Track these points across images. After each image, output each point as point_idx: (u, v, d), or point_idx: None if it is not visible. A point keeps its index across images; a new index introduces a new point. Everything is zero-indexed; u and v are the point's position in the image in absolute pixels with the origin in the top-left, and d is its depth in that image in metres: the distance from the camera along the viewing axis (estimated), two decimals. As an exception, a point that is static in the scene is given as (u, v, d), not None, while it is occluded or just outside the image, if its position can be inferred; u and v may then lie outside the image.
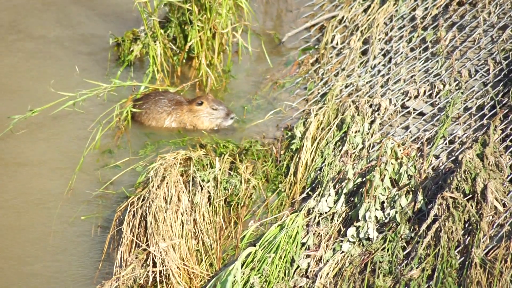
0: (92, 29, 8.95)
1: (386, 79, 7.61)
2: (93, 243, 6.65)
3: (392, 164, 6.45)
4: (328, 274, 6.06)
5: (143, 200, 6.60)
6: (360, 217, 6.25)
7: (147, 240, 6.42)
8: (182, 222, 6.50)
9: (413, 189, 6.33)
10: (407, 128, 7.07)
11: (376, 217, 6.26)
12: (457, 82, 7.26)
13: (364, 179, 6.53)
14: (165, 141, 7.58)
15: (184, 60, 8.36)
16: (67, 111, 7.70)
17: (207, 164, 6.97)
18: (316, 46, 8.46)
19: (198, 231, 6.54)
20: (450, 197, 6.07)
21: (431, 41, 7.78)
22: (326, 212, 6.46)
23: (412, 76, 7.52)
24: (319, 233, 6.34)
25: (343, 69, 7.95)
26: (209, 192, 6.75)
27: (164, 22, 8.47)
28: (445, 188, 6.15)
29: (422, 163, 6.53)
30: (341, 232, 6.34)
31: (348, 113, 7.20)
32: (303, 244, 6.30)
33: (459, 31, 7.74)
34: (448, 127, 6.87)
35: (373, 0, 8.42)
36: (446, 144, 6.76)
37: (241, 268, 6.07)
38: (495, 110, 6.86)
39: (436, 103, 7.19)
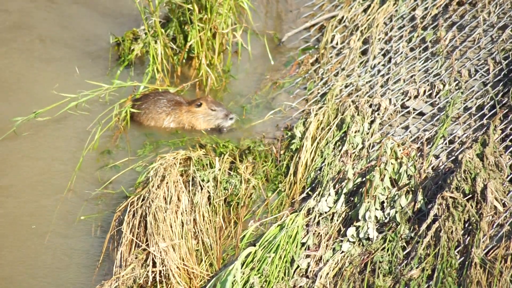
0: (93, 29, 8.95)
1: (386, 79, 7.61)
2: (92, 243, 6.64)
3: (392, 164, 6.45)
4: (328, 274, 6.06)
5: (143, 200, 6.60)
6: (360, 217, 6.25)
7: (147, 240, 6.42)
8: (182, 222, 6.50)
9: (413, 189, 6.33)
10: (407, 128, 7.07)
11: (376, 217, 6.25)
12: (457, 82, 7.26)
13: (364, 179, 6.53)
14: (164, 141, 7.58)
15: (184, 60, 8.36)
16: (67, 111, 7.69)
17: (207, 164, 6.97)
18: (316, 46, 8.46)
19: (198, 231, 6.54)
20: (450, 197, 6.07)
21: (431, 41, 7.78)
22: (326, 212, 6.46)
23: (412, 76, 7.52)
24: (319, 233, 6.34)
25: (343, 69, 7.95)
26: (209, 192, 6.75)
27: (164, 21, 8.46)
28: (445, 188, 6.15)
29: (422, 163, 6.53)
30: (341, 232, 6.34)
31: (348, 113, 7.20)
32: (303, 244, 6.30)
33: (459, 31, 7.74)
34: (448, 127, 6.87)
35: (373, 0, 8.42)
36: (446, 144, 6.76)
37: (241, 268, 6.07)
38: (495, 110, 6.86)
39: (436, 103, 7.19)
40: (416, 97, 7.33)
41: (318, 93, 7.81)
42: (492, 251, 5.84)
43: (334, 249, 6.23)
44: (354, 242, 6.21)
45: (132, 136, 7.69)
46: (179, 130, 7.79)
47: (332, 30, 8.42)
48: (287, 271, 6.14)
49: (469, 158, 6.21)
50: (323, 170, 6.82)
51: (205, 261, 6.45)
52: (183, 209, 6.54)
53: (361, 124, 7.09)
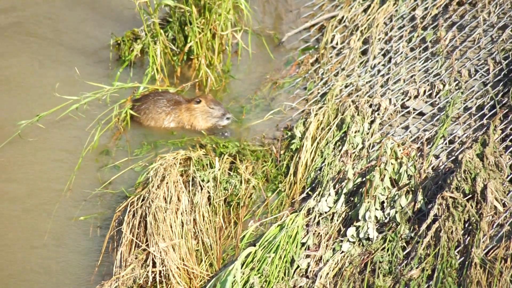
0: (92, 29, 8.95)
1: (386, 79, 7.61)
2: (92, 243, 6.64)
3: (392, 164, 6.45)
4: (328, 274, 6.06)
5: (142, 200, 6.60)
6: (360, 217, 6.25)
7: (146, 240, 6.41)
8: (182, 222, 6.49)
9: (413, 189, 6.33)
10: (407, 128, 7.07)
11: (376, 217, 6.25)
12: (457, 82, 7.26)
13: (364, 179, 6.52)
14: (163, 142, 7.58)
15: (183, 61, 8.36)
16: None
17: (207, 164, 6.97)
18: (316, 46, 8.46)
19: (198, 231, 6.54)
20: (450, 197, 6.07)
21: (431, 41, 7.78)
22: (326, 212, 6.46)
23: (412, 76, 7.52)
24: (319, 233, 6.34)
25: (343, 69, 7.95)
26: (209, 192, 6.75)
27: (164, 22, 8.46)
28: (445, 188, 6.15)
29: (422, 163, 6.53)
30: (341, 232, 6.33)
31: (348, 113, 7.20)
32: (303, 244, 6.29)
33: (459, 31, 7.73)
34: (448, 127, 6.87)
35: (373, 0, 8.42)
36: (446, 144, 6.76)
37: (241, 268, 6.06)
38: (495, 110, 6.86)
39: (436, 103, 7.19)
40: (416, 97, 7.33)
41: (318, 93, 7.81)
42: (492, 251, 5.84)
43: (334, 249, 6.23)
44: (354, 242, 6.21)
45: (132, 136, 7.69)
46: (174, 132, 7.80)
47: (332, 30, 8.42)
48: (287, 271, 6.14)
49: (469, 158, 6.21)
50: (323, 170, 6.81)
51: (205, 261, 6.44)
52: (183, 209, 6.54)
53: (361, 124, 7.09)
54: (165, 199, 6.57)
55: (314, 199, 6.55)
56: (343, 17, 8.51)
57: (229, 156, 7.11)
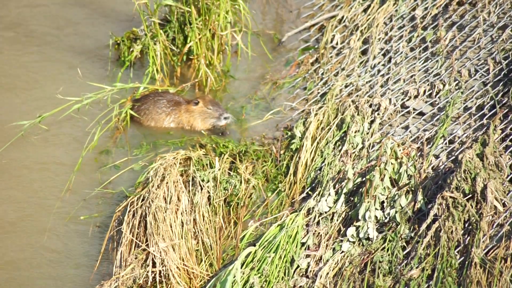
0: (92, 29, 8.95)
1: (386, 78, 7.60)
2: (92, 243, 6.64)
3: (392, 164, 6.45)
4: (328, 274, 6.05)
5: (142, 200, 6.60)
6: (360, 217, 6.25)
7: (146, 240, 6.41)
8: (182, 222, 6.49)
9: (413, 189, 6.32)
10: (407, 128, 7.07)
11: (376, 217, 6.25)
12: (457, 81, 7.25)
13: (364, 179, 6.52)
14: (162, 142, 7.58)
15: (183, 61, 8.36)
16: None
17: (206, 164, 6.97)
18: (316, 46, 8.46)
19: (198, 231, 6.54)
20: (450, 197, 6.07)
21: (431, 40, 7.77)
22: (326, 212, 6.45)
23: (412, 76, 7.52)
24: (319, 233, 6.34)
25: (343, 69, 7.95)
26: (208, 192, 6.75)
27: (163, 22, 8.46)
28: (445, 188, 6.15)
29: (422, 163, 6.52)
30: (341, 232, 6.33)
31: (348, 113, 7.20)
32: (303, 244, 6.29)
33: (459, 31, 7.73)
34: (448, 127, 6.87)
35: (373, 0, 8.42)
36: (446, 144, 6.75)
37: (241, 268, 6.06)
38: (495, 110, 6.86)
39: (436, 103, 7.19)
40: (416, 97, 7.32)
41: (318, 93, 7.81)
42: (492, 251, 5.84)
43: (334, 249, 6.22)
44: (354, 242, 6.20)
45: (132, 136, 7.69)
46: (171, 131, 7.80)
47: (332, 30, 8.41)
48: (287, 271, 6.14)
49: (469, 158, 6.20)
50: (323, 170, 6.81)
51: (205, 261, 6.44)
52: (183, 209, 6.54)
53: (361, 124, 7.09)
54: (165, 199, 6.56)
55: (314, 199, 6.55)
56: (343, 17, 8.51)
57: (230, 156, 7.10)
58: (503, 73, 7.12)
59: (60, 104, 7.57)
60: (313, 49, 8.44)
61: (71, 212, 6.87)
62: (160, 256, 6.28)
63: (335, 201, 6.48)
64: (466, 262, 5.81)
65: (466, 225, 6.01)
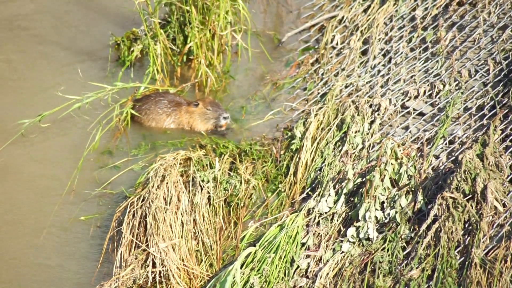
0: (92, 29, 8.95)
1: (386, 79, 7.61)
2: (92, 243, 6.64)
3: (392, 164, 6.45)
4: (328, 274, 6.05)
5: (142, 200, 6.60)
6: (360, 217, 6.25)
7: (146, 241, 6.41)
8: (182, 223, 6.49)
9: (413, 189, 6.32)
10: (407, 128, 7.07)
11: (376, 217, 6.25)
12: (457, 82, 7.26)
13: (364, 179, 6.52)
14: (162, 142, 7.58)
15: (183, 61, 8.36)
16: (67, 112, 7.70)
17: (207, 165, 6.97)
18: (316, 47, 8.46)
19: (198, 232, 6.54)
20: (450, 197, 6.07)
21: (431, 41, 7.78)
22: (326, 212, 6.45)
23: (412, 76, 7.52)
24: (319, 233, 6.34)
25: (343, 69, 7.95)
26: (209, 193, 6.75)
27: (164, 22, 8.46)
28: (445, 188, 6.15)
29: (422, 163, 6.53)
30: (341, 232, 6.33)
31: (348, 113, 7.20)
32: (303, 244, 6.29)
33: (459, 31, 7.73)
34: (448, 127, 6.87)
35: (373, 0, 8.42)
36: (446, 144, 6.75)
37: (241, 268, 6.06)
38: (495, 110, 6.86)
39: (436, 103, 7.19)
40: (416, 97, 7.32)
41: (318, 93, 7.81)
42: (492, 251, 5.84)
43: (334, 249, 6.23)
44: (354, 242, 6.20)
45: (132, 136, 7.69)
46: (168, 131, 7.80)
47: (332, 31, 8.42)
48: (287, 271, 6.14)
49: (469, 158, 6.21)
50: (323, 170, 6.81)
51: (205, 262, 6.44)
52: (183, 210, 6.54)
53: (361, 124, 7.09)
54: (165, 199, 6.56)
55: (314, 199, 6.55)
56: (343, 17, 8.51)
57: (230, 157, 7.10)
58: (503, 73, 7.12)
59: (60, 104, 7.57)
60: (313, 49, 8.44)
61: (72, 212, 6.87)
62: (160, 256, 6.28)
63: (335, 202, 6.48)
64: (466, 263, 5.81)
65: (466, 226, 6.02)
